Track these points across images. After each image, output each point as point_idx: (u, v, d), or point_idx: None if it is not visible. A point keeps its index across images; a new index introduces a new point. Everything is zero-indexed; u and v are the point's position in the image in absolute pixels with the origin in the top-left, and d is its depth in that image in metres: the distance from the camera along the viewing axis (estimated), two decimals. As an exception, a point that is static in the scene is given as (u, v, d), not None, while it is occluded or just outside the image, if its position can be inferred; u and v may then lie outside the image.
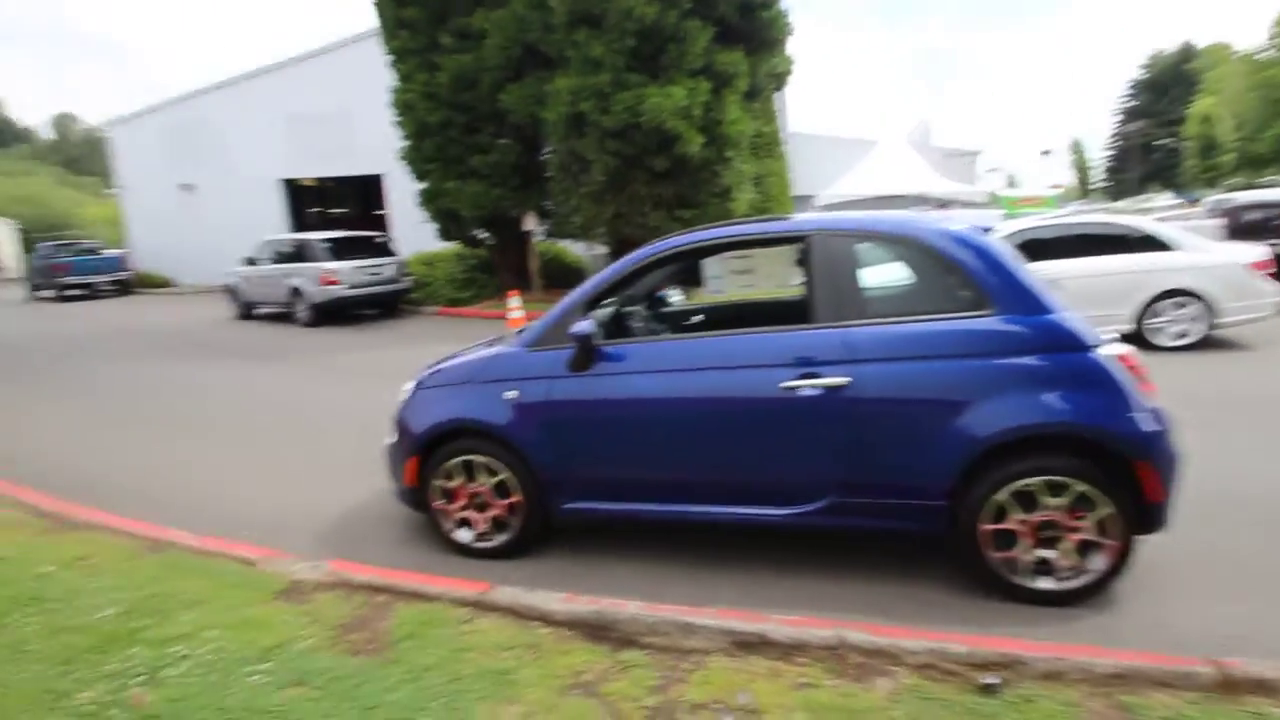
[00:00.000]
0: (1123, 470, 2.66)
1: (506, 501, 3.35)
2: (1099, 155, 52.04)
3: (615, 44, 10.27)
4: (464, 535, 3.45)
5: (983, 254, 2.86)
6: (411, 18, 12.49)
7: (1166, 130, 45.00)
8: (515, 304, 9.94)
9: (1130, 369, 2.72)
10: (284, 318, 13.31)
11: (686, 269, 4.79)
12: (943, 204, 18.35)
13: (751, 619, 2.57)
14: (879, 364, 2.81)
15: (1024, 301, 2.76)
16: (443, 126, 12.54)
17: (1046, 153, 49.84)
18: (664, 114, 10.18)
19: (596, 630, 2.62)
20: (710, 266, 4.21)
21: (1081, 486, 2.66)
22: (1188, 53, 49.25)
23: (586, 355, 3.14)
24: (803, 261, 3.18)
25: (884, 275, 3.42)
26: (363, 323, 12.89)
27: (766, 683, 2.31)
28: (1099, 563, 2.72)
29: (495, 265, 14.38)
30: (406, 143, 13.32)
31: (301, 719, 2.19)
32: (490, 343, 3.77)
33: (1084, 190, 51.37)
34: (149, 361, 9.64)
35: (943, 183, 19.77)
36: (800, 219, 3.35)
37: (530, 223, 13.21)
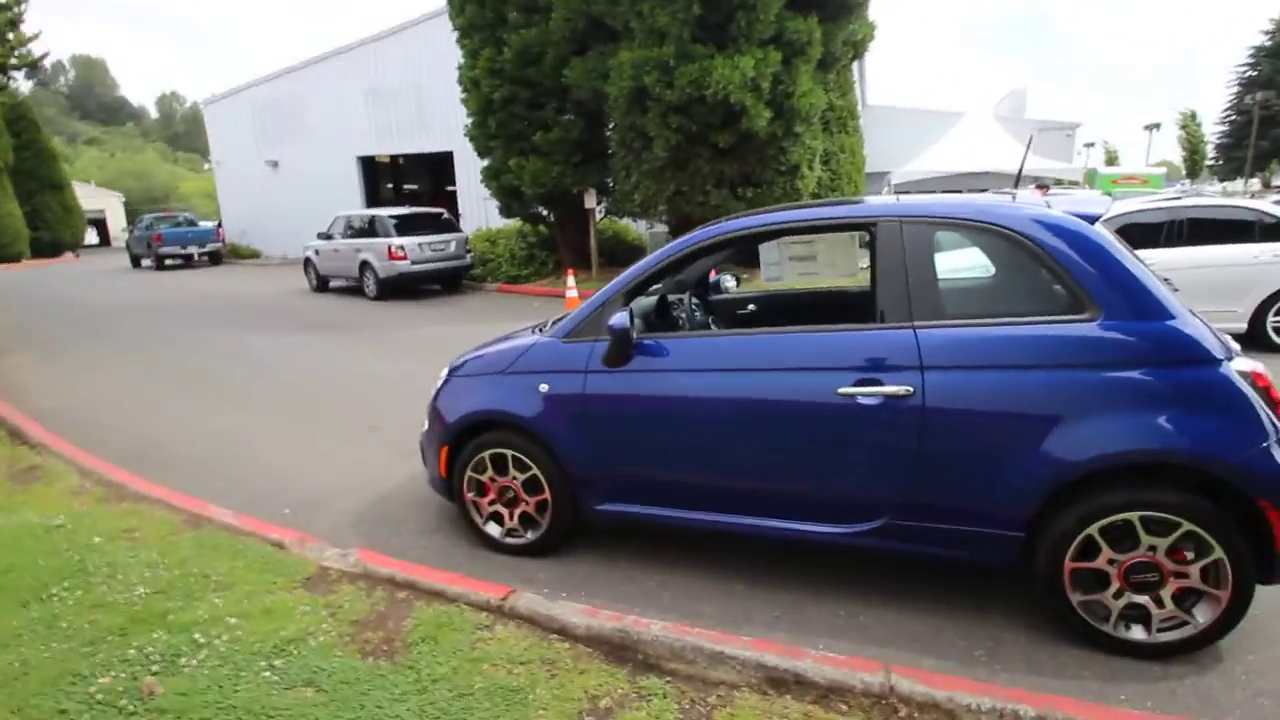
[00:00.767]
0: (1243, 509, 2.25)
1: (537, 498, 3.20)
2: (1211, 130, 47.20)
3: (681, 13, 9.83)
4: (494, 529, 3.33)
5: (1085, 246, 2.44)
6: (478, -8, 12.40)
7: (1292, 102, 40.28)
8: (572, 283, 9.82)
9: (1265, 389, 2.28)
10: (355, 291, 13.72)
11: (744, 252, 4.48)
12: (1042, 185, 16.96)
13: (788, 653, 2.32)
14: (953, 372, 2.46)
15: (1134, 304, 2.35)
16: (506, 103, 12.45)
17: (1153, 127, 45.47)
18: (730, 87, 9.70)
19: (618, 650, 2.44)
20: (767, 252, 3.86)
21: (1190, 525, 2.25)
22: (1322, 15, 43.65)
23: (623, 350, 2.92)
24: (869, 251, 2.83)
25: (964, 269, 3.04)
26: (427, 298, 13.11)
27: (799, 728, 2.07)
28: (1204, 615, 2.32)
29: (556, 243, 14.31)
30: (471, 119, 13.33)
31: (304, 726, 2.10)
32: (530, 330, 3.61)
33: (1193, 168, 46.82)
34: (223, 330, 10.07)
35: (1034, 159, 18.30)
36: (868, 203, 2.99)
37: (591, 200, 13.03)
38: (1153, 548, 2.31)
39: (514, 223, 14.88)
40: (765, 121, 10.24)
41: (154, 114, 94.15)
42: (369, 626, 2.63)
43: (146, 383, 7.04)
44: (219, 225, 23.91)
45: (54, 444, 4.89)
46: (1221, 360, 2.28)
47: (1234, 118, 42.23)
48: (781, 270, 4.42)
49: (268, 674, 2.34)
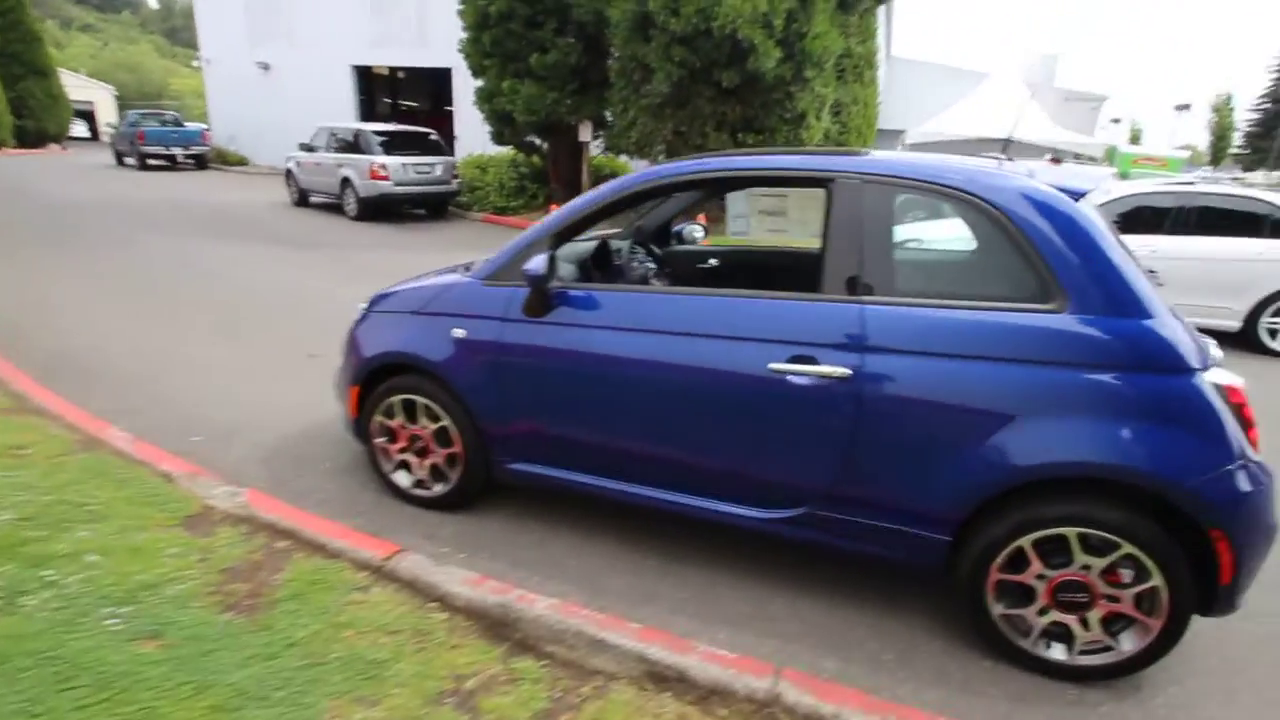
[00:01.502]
0: (1191, 536, 2.03)
1: (447, 451, 2.97)
2: (1242, 118, 45.42)
3: (693, -66, 9.06)
4: (402, 479, 3.11)
5: (1062, 225, 2.13)
6: (481, -109, 11.44)
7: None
8: (554, 219, 9.40)
9: (1238, 406, 2.02)
10: (335, 209, 13.20)
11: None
12: (1056, 157, 16.23)
13: (674, 647, 2.13)
14: (898, 356, 2.19)
15: (1107, 297, 2.06)
16: (503, 18, 11.67)
17: (1183, 107, 43.75)
18: (740, 20, 9.04)
19: (497, 626, 2.25)
20: (734, 203, 3.54)
21: (1131, 549, 2.04)
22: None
23: (540, 299, 2.63)
24: (824, 210, 2.51)
25: (928, 240, 2.72)
26: (408, 222, 12.64)
27: (671, 732, 1.89)
28: (1131, 643, 2.14)
29: (548, 175, 13.73)
30: (466, 34, 12.54)
31: (130, 684, 1.91)
32: (460, 269, 3.30)
33: (1218, 155, 45.41)
34: (187, 239, 9.66)
35: (1055, 130, 17.55)
36: (832, 156, 2.64)
37: (586, 133, 12.41)
38: (1086, 567, 2.10)
39: (507, 151, 14.24)
40: (774, 62, 9.58)
41: (154, 3, 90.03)
42: (238, 577, 2.43)
43: (91, 290, 6.71)
44: (206, 128, 22.95)
45: (-33, 348, 4.64)
46: (1195, 370, 2.01)
47: (1267, 105, 40.65)
48: (748, 224, 4.07)
49: (111, 622, 2.15)
